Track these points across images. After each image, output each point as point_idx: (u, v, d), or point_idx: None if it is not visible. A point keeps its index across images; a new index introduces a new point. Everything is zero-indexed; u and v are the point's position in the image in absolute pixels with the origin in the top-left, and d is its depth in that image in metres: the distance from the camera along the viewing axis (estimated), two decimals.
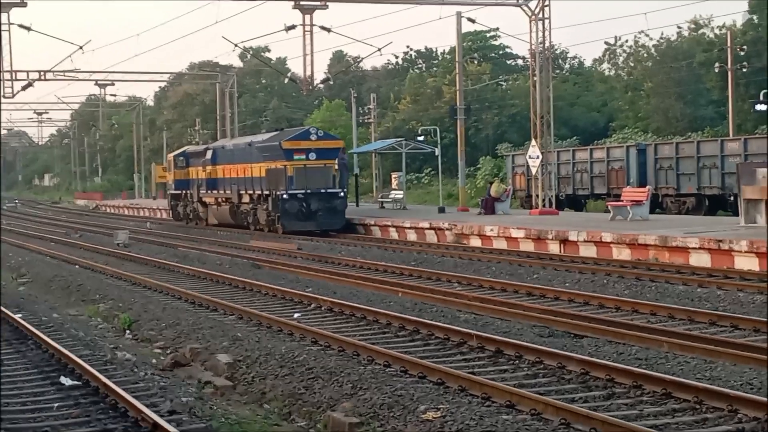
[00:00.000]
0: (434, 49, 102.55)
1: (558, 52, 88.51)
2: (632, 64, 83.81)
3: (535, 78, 43.40)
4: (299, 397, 12.87)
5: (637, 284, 22.14)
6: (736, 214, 33.59)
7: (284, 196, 40.43)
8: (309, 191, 40.60)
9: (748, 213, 29.31)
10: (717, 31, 75.76)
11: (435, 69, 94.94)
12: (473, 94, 74.14)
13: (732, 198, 39.55)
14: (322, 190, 40.85)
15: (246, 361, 14.70)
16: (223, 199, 48.06)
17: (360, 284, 24.02)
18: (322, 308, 19.87)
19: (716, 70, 61.28)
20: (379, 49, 46.55)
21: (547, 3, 42.63)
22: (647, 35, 79.73)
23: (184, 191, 54.27)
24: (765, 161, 36.23)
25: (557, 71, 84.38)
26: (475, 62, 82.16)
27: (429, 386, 12.69)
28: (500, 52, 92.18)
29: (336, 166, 41.88)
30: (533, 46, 43.42)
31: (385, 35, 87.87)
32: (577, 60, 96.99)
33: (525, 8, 43.11)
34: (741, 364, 13.33)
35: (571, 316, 17.79)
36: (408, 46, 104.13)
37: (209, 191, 49.80)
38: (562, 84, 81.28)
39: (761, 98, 31.60)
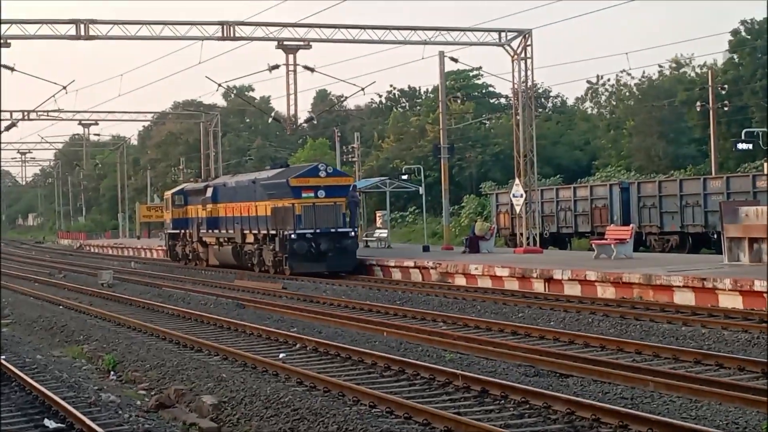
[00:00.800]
0: (417, 88, 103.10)
1: (541, 90, 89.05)
2: (614, 103, 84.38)
3: (518, 117, 43.58)
4: None
5: (622, 323, 22.15)
6: (719, 252, 33.68)
7: (292, 236, 38.74)
8: (318, 231, 38.82)
9: (731, 251, 29.41)
10: (698, 70, 76.42)
11: (418, 108, 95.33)
12: (457, 133, 74.39)
13: (715, 236, 39.69)
14: (332, 230, 39.01)
15: (231, 403, 14.64)
16: (225, 239, 46.31)
17: (345, 324, 23.98)
18: (307, 348, 19.82)
19: (698, 109, 61.65)
20: (363, 89, 46.70)
21: (529, 43, 42.89)
22: (629, 74, 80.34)
23: (182, 230, 52.34)
24: (747, 200, 36.47)
25: (540, 110, 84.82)
26: (459, 101, 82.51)
27: (415, 427, 12.66)
28: (483, 91, 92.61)
29: (346, 204, 40.03)
30: (516, 85, 43.62)
31: (368, 74, 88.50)
32: (559, 98, 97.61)
33: (507, 48, 43.35)
34: (726, 403, 13.34)
35: (557, 355, 17.78)
36: (391, 85, 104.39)
37: (210, 230, 47.97)
38: (545, 122, 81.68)
39: (743, 137, 31.77)
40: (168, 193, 55.29)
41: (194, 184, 54.06)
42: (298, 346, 20.25)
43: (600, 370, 15.96)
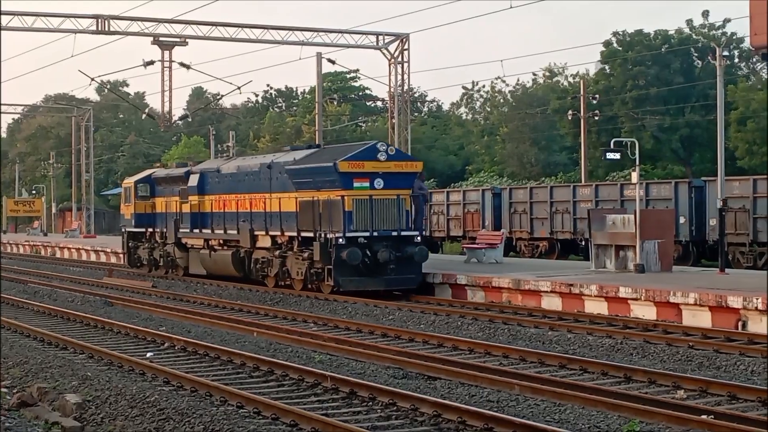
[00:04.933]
0: (294, 89, 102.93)
1: (417, 95, 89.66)
2: (489, 109, 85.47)
3: (393, 120, 43.81)
4: None
5: (491, 326, 22.42)
6: (587, 258, 34.35)
7: (340, 240, 28.28)
8: (375, 234, 28.69)
9: (598, 258, 30.01)
10: (571, 80, 77.84)
11: (295, 108, 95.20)
12: (333, 134, 74.47)
13: (583, 243, 40.45)
14: (394, 233, 28.94)
15: (95, 402, 14.40)
16: (221, 242, 35.23)
17: (215, 323, 23.80)
18: (176, 347, 19.62)
19: (569, 117, 62.80)
20: (239, 87, 46.52)
21: (406, 47, 43.21)
22: (504, 81, 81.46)
23: (148, 229, 40.46)
24: (614, 208, 37.27)
25: (416, 114, 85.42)
26: (335, 103, 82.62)
27: (282, 428, 12.62)
28: (360, 94, 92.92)
29: (410, 198, 29.51)
30: (392, 89, 43.87)
31: (245, 73, 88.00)
32: (435, 103, 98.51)
33: (385, 51, 43.60)
34: (589, 407, 13.59)
35: (425, 357, 17.92)
36: (268, 85, 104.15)
37: (194, 230, 36.46)
38: (420, 127, 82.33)
39: (612, 146, 32.43)
40: (129, 181, 43.20)
41: (167, 170, 41.86)
42: (166, 345, 20.03)
43: (467, 373, 16.12)
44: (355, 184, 28.70)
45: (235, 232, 33.66)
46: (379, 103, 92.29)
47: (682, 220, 38.53)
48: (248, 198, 33.29)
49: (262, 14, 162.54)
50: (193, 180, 36.73)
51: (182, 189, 37.39)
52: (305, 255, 29.79)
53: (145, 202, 40.53)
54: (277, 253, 31.42)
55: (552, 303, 25.91)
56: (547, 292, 26.16)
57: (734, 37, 70.35)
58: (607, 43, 71.01)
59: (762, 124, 62.73)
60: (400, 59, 43.60)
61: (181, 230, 37.39)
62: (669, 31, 70.76)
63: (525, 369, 16.93)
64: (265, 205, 32.11)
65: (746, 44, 64.04)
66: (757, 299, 21.23)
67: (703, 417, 12.72)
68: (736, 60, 72.68)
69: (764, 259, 36.28)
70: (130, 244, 42.17)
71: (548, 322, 22.80)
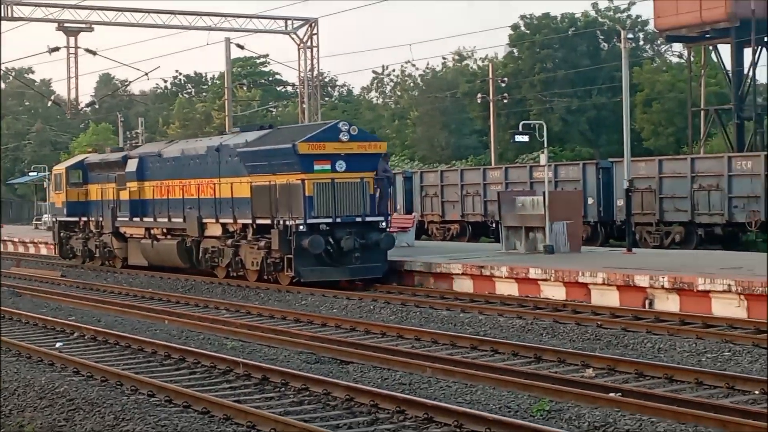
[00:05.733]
0: (204, 74, 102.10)
1: (327, 79, 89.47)
2: (399, 93, 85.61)
3: (304, 105, 43.71)
4: (59, 430, 12.52)
5: (403, 310, 22.52)
6: (498, 240, 34.63)
7: (301, 227, 26.37)
8: (338, 220, 26.94)
9: (508, 240, 30.26)
10: (480, 63, 78.32)
11: (205, 94, 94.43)
12: (243, 120, 73.98)
13: (493, 225, 40.77)
14: (358, 219, 27.16)
15: (3, 393, 14.20)
16: (164, 231, 32.99)
17: (126, 312, 23.58)
18: (86, 337, 19.42)
19: (479, 101, 63.16)
20: (146, 73, 46.45)
21: (315, 31, 43.13)
22: (414, 65, 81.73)
23: (81, 218, 38.11)
24: (524, 190, 37.62)
25: (326, 98, 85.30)
26: (245, 88, 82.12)
27: (194, 415, 12.56)
28: (270, 79, 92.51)
29: (374, 181, 27.76)
30: (302, 74, 43.75)
31: (153, 59, 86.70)
32: (346, 88, 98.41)
33: (294, 36, 43.47)
34: (500, 387, 13.73)
35: (338, 342, 17.96)
36: (177, 71, 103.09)
37: (134, 218, 34.17)
38: (331, 111, 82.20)
39: (520, 128, 32.72)
40: (60, 167, 40.47)
41: (101, 155, 39.24)
42: (76, 335, 19.82)
43: (380, 357, 16.19)
44: (316, 167, 26.81)
45: (180, 220, 31.52)
46: (289, 88, 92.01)
47: (590, 201, 39.02)
48: (195, 183, 31.07)
49: None
50: (132, 165, 34.48)
51: (119, 175, 35.08)
52: (261, 244, 27.79)
53: (77, 189, 38.06)
54: (229, 242, 29.41)
55: (463, 285, 26.08)
56: (458, 274, 26.34)
57: (639, 20, 71.46)
58: (514, 27, 71.64)
59: (667, 106, 63.78)
60: (309, 44, 43.50)
61: (119, 219, 35.12)
62: (575, 15, 71.65)
63: (437, 351, 17.06)
64: (214, 190, 30.00)
65: (651, 27, 64.96)
66: (663, 278, 21.60)
67: (612, 395, 12.94)
68: (641, 42, 73.81)
69: (670, 238, 36.91)
70: (62, 234, 39.62)
71: (460, 304, 22.97)
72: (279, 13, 44.41)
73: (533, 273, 24.36)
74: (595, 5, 72.22)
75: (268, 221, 27.41)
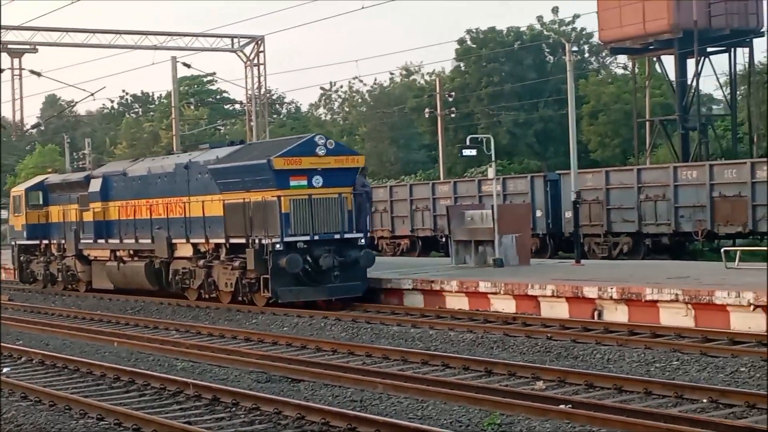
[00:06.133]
0: (151, 94, 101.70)
1: (275, 96, 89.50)
2: (347, 109, 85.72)
3: (252, 123, 43.63)
4: None
5: (354, 326, 22.50)
6: (447, 255, 34.71)
7: (277, 246, 25.40)
8: (316, 237, 25.96)
9: (458, 254, 30.34)
10: (427, 78, 78.62)
11: (152, 114, 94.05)
12: (191, 139, 73.68)
13: (443, 239, 40.86)
14: (336, 236, 26.22)
15: None
16: (131, 253, 31.56)
17: (74, 335, 23.38)
18: (33, 361, 19.21)
19: (427, 115, 63.37)
20: (92, 94, 46.11)
21: (262, 49, 43.11)
22: (361, 81, 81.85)
23: (42, 241, 36.69)
24: (473, 203, 37.75)
25: (274, 116, 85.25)
26: (192, 107, 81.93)
27: None
28: (218, 97, 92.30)
29: (352, 197, 26.78)
30: (249, 91, 43.69)
31: (99, 79, 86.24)
32: (294, 105, 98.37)
33: (240, 54, 43.41)
34: (451, 402, 13.74)
35: (289, 360, 17.92)
36: (124, 91, 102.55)
37: (98, 240, 32.79)
38: (279, 129, 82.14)
39: (468, 143, 32.85)
40: (19, 189, 39.19)
41: (62, 176, 38.21)
42: (23, 359, 19.60)
43: (331, 374, 16.16)
44: (292, 183, 25.77)
45: (148, 240, 30.25)
46: (237, 106, 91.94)
47: (538, 213, 39.22)
48: (163, 202, 29.87)
49: (114, 19, 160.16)
50: (95, 185, 33.22)
51: (82, 195, 33.92)
52: (236, 264, 26.60)
53: (38, 211, 36.74)
54: (201, 262, 28.10)
55: (414, 300, 26.11)
56: (409, 289, 26.36)
57: (584, 33, 72.02)
58: (461, 41, 72.01)
59: (613, 117, 64.30)
60: (255, 61, 43.48)
61: (82, 241, 33.73)
62: (521, 28, 72.07)
63: (388, 367, 17.05)
64: (184, 209, 28.79)
65: (596, 39, 65.53)
66: (611, 289, 21.75)
67: (562, 407, 13.00)
68: (587, 55, 74.43)
69: (618, 249, 37.18)
70: (21, 258, 38.02)
71: (410, 319, 22.97)
72: (225, 31, 44.42)
73: (483, 287, 24.43)
74: (540, 18, 72.86)
75: (243, 240, 26.29)
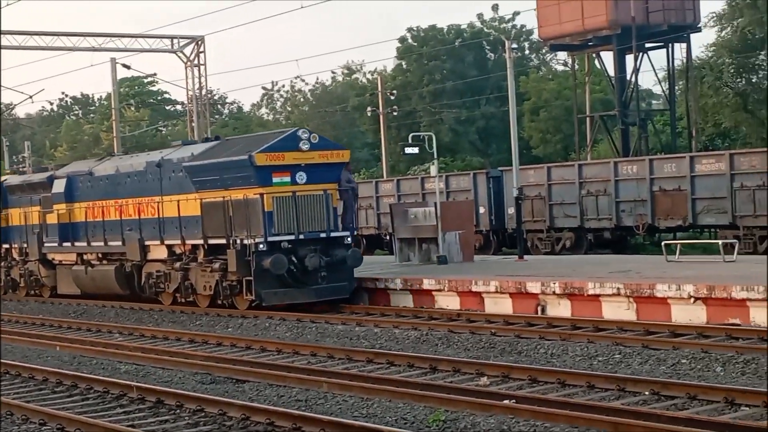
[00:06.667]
0: (91, 95, 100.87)
1: (217, 97, 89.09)
2: (290, 109, 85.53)
3: (193, 123, 43.42)
4: None
5: (299, 326, 22.46)
6: (392, 252, 34.77)
7: (261, 246, 24.28)
8: (302, 237, 24.80)
9: (402, 251, 30.41)
10: (369, 76, 78.65)
11: (92, 115, 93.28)
12: (132, 140, 73.29)
13: (387, 237, 40.92)
14: (322, 235, 25.08)
15: None
16: (99, 256, 30.31)
17: (15, 340, 23.11)
18: None
19: (369, 114, 63.39)
20: (31, 96, 45.44)
21: (202, 49, 42.90)
22: (303, 80, 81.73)
23: (3, 245, 35.05)
24: (416, 201, 37.82)
25: (216, 116, 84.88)
26: (133, 108, 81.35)
27: None
28: (159, 98, 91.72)
29: (337, 193, 25.68)
30: (190, 92, 43.48)
31: (38, 81, 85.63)
32: (236, 105, 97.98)
33: (180, 54, 43.19)
34: (396, 399, 13.77)
35: (233, 361, 17.87)
36: (63, 93, 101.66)
37: (63, 244, 31.50)
38: (221, 129, 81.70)
39: (410, 140, 32.96)
40: None
41: (22, 177, 36.33)
42: None
43: (276, 374, 16.14)
44: (275, 180, 24.55)
45: (119, 243, 28.82)
46: (178, 107, 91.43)
47: (482, 210, 39.41)
48: (134, 203, 28.54)
49: (52, 20, 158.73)
50: (59, 186, 31.77)
51: (45, 197, 32.47)
52: (216, 266, 25.30)
53: None
54: (177, 265, 26.82)
55: (360, 299, 26.10)
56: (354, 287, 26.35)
57: (524, 30, 72.37)
58: (402, 39, 72.06)
59: (554, 114, 64.68)
60: (196, 62, 43.25)
61: (46, 245, 32.29)
62: (462, 26, 72.28)
63: (333, 366, 17.05)
64: (157, 209, 27.51)
65: (536, 36, 65.90)
66: (554, 284, 21.90)
67: (506, 402, 13.06)
68: (527, 52, 74.78)
69: (561, 244, 37.45)
70: None
71: (355, 318, 22.99)
72: (165, 31, 44.16)
73: (427, 284, 24.49)
74: (480, 16, 73.08)
75: (223, 241, 25.08)
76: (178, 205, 26.49)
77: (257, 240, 24.15)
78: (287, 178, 24.62)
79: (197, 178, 26.07)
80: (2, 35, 40.72)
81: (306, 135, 25.12)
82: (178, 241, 26.80)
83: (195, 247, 26.33)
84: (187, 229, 26.37)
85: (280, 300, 24.50)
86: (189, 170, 26.39)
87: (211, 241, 25.55)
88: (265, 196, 24.27)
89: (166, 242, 27.24)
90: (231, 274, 24.84)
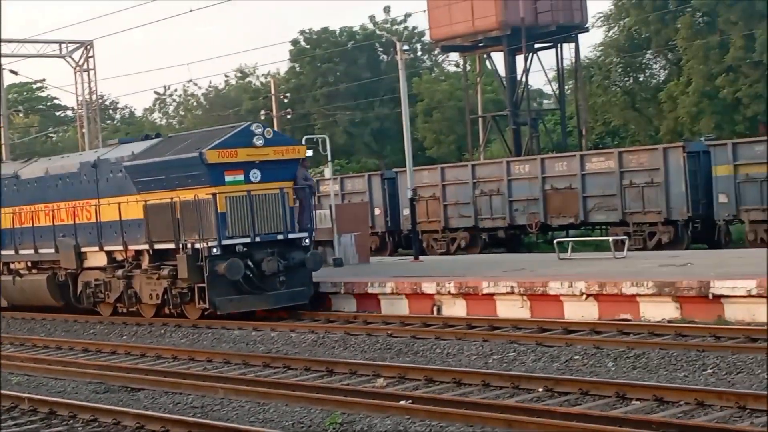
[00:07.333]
0: None
1: (108, 102, 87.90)
2: (183, 113, 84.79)
3: (83, 129, 42.81)
4: None
5: (194, 332, 22.29)
6: None
7: (214, 250, 22.62)
8: (257, 239, 23.14)
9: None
10: (262, 80, 78.29)
11: None
12: (22, 147, 71.97)
13: None
14: (279, 236, 23.45)
15: None
16: (28, 265, 28.24)
17: None
18: None
19: (263, 117, 63.10)
20: None
21: (91, 54, 42.33)
22: (196, 84, 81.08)
23: None
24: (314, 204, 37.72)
25: (108, 121, 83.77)
26: (22, 114, 79.89)
27: None
28: (48, 104, 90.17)
29: (293, 192, 24.06)
30: (80, 97, 42.87)
31: None
32: (128, 110, 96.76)
33: (69, 59, 42.55)
34: (293, 403, 13.75)
35: (127, 369, 17.68)
36: None
37: None
38: (113, 134, 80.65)
39: (304, 143, 32.89)
40: None
41: None
42: None
43: (171, 381, 16.01)
44: (227, 178, 22.76)
45: (51, 250, 26.79)
46: (69, 113, 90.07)
47: (377, 211, 39.56)
48: (68, 207, 26.47)
49: None
50: None
51: None
52: (164, 272, 23.47)
53: None
54: (119, 272, 24.87)
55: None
56: None
57: (416, 31, 72.68)
58: (295, 42, 71.88)
59: (447, 114, 65.11)
60: (85, 67, 42.64)
61: None
62: (354, 28, 72.36)
63: (229, 372, 16.98)
64: (94, 213, 25.46)
65: (428, 38, 66.27)
66: (449, 283, 22.07)
67: (402, 402, 13.13)
68: (419, 53, 75.12)
69: (456, 244, 37.75)
70: None
71: (252, 323, 22.82)
72: (52, 36, 43.50)
73: (324, 287, 24.48)
74: (372, 18, 73.22)
75: (171, 245, 23.29)
76: (119, 208, 24.55)
77: (210, 243, 22.51)
78: (240, 177, 22.94)
79: (140, 179, 24.17)
80: None
81: (260, 130, 23.26)
82: (120, 247, 24.85)
83: (139, 252, 24.50)
84: (129, 234, 24.48)
85: (236, 308, 22.96)
86: (130, 170, 24.43)
87: (157, 246, 23.75)
88: (218, 196, 22.59)
89: (106, 248, 25.33)
90: (181, 281, 23.15)
